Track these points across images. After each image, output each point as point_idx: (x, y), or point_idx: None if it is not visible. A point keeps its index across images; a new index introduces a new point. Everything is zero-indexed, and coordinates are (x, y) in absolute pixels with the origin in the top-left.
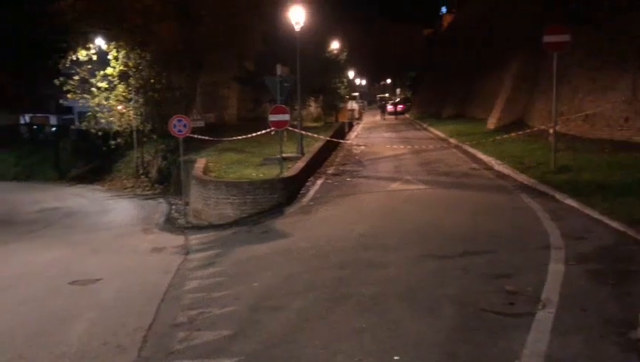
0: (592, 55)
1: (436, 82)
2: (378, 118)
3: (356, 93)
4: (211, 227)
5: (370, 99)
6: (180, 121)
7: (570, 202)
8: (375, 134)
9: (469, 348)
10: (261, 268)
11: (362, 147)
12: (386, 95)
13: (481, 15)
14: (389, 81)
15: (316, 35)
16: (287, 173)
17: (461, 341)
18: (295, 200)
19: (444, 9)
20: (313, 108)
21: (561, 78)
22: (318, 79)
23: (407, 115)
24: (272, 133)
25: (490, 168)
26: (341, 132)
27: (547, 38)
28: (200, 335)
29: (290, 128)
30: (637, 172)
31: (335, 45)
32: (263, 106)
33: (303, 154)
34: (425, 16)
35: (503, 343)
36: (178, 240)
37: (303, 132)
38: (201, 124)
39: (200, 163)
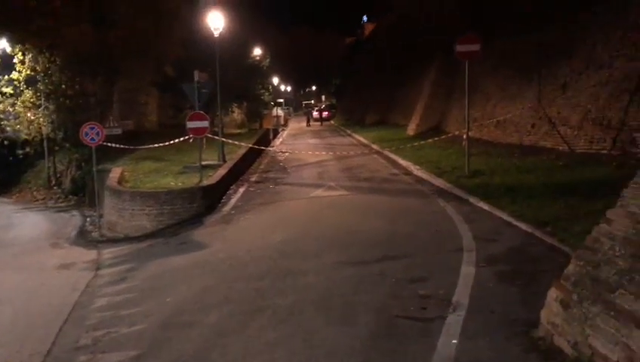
0: (503, 65)
1: (360, 89)
2: (304, 124)
3: (281, 100)
4: (127, 240)
5: (296, 105)
6: (92, 128)
7: (483, 205)
8: (300, 141)
9: (382, 356)
10: (176, 282)
11: (287, 153)
12: (312, 102)
13: (401, 24)
14: (314, 88)
15: (238, 41)
16: (207, 182)
17: (374, 349)
18: (216, 210)
19: (365, 18)
20: (237, 114)
21: (474, 85)
22: (240, 85)
23: (332, 122)
24: (191, 140)
25: (409, 173)
26: (266, 139)
27: (459, 48)
28: (104, 357)
29: (210, 135)
30: (543, 175)
31: (258, 52)
32: (185, 113)
33: (224, 161)
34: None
35: (415, 349)
36: (90, 254)
37: (224, 139)
38: (117, 131)
39: (115, 172)
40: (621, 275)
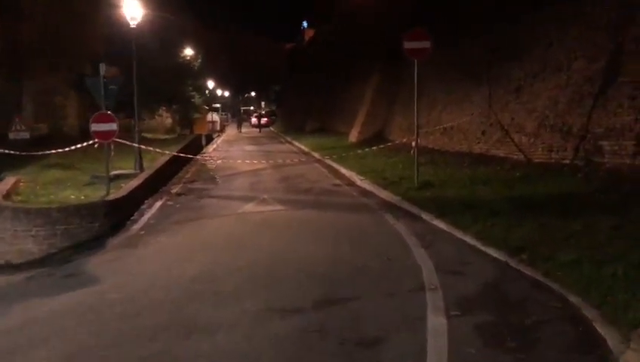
0: (449, 68)
1: (300, 96)
2: (235, 131)
3: (218, 105)
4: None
5: (235, 111)
6: None
7: (438, 223)
8: (236, 148)
9: None
10: (38, 340)
11: (219, 161)
12: (251, 108)
13: (342, 29)
14: (253, 94)
15: (167, 40)
16: (114, 195)
17: None
18: (123, 229)
19: (305, 23)
20: (164, 118)
21: (419, 90)
22: (168, 86)
23: (271, 129)
24: (96, 145)
25: (352, 184)
26: (197, 145)
27: (407, 45)
28: None
29: (129, 142)
30: (501, 188)
31: (189, 52)
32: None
33: (142, 170)
34: (288, 30)
35: None
36: None
37: (143, 146)
38: (24, 135)
39: (5, 184)
40: None
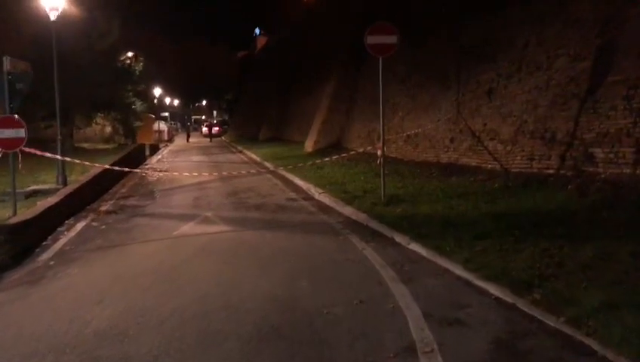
0: (412, 71)
1: (252, 104)
2: (193, 140)
3: (166, 113)
4: None
5: (186, 120)
6: None
7: (416, 248)
8: (182, 158)
9: None
10: None
11: (161, 174)
12: (202, 117)
13: (297, 36)
14: (204, 102)
15: (104, 42)
16: (19, 217)
17: None
18: (29, 258)
19: (257, 31)
20: (103, 126)
21: (378, 97)
22: (104, 91)
23: (223, 138)
24: (0, 156)
25: (310, 198)
26: (138, 156)
27: (370, 39)
28: None
29: (34, 151)
30: (480, 201)
31: (129, 55)
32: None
33: (65, 184)
34: (240, 38)
35: None
36: None
37: (68, 158)
38: None
39: None
40: None
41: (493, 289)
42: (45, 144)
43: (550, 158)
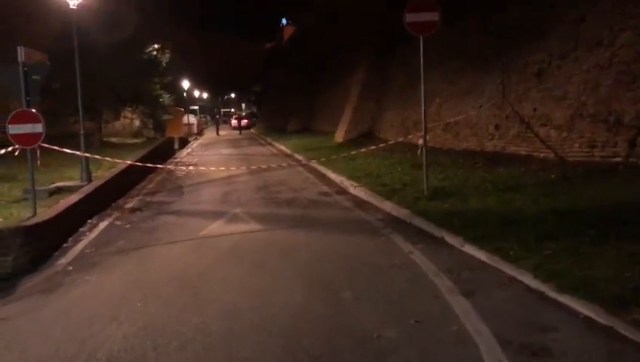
0: (450, 55)
1: (281, 96)
2: (222, 133)
3: (196, 107)
4: None
5: (215, 113)
6: None
7: (473, 251)
8: (212, 151)
9: None
10: None
11: (190, 167)
12: (231, 110)
13: (324, 23)
14: (233, 95)
15: (131, 34)
16: (37, 218)
17: None
18: (48, 261)
19: (284, 21)
20: (132, 120)
21: (413, 82)
22: (130, 83)
23: (252, 130)
24: (17, 153)
25: (344, 192)
26: (167, 149)
27: (410, 17)
28: None
29: (53, 148)
30: (538, 195)
31: (155, 46)
32: (74, 120)
33: (90, 181)
34: (267, 29)
35: None
36: None
37: (88, 155)
38: None
39: None
40: None
41: (579, 306)
42: (75, 138)
43: (616, 145)
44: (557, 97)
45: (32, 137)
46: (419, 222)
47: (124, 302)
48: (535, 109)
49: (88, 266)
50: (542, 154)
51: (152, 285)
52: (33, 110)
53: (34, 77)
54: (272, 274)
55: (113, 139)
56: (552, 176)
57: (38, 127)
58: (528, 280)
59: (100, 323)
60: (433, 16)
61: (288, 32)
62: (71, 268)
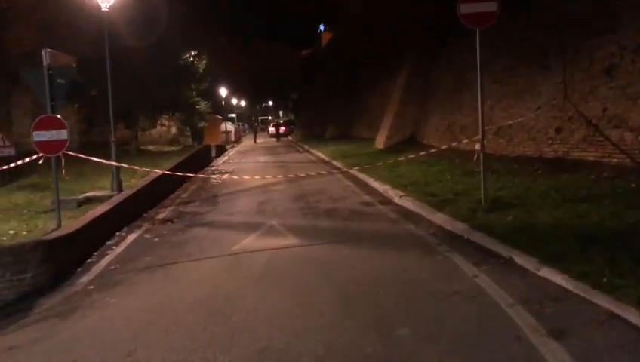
0: (501, 53)
1: (318, 103)
2: (260, 140)
3: (233, 115)
4: None
5: (253, 121)
6: None
7: (552, 276)
8: (249, 159)
9: None
10: None
11: (226, 175)
12: (269, 117)
13: (363, 28)
14: (271, 103)
15: (168, 41)
16: (62, 230)
17: None
18: (70, 279)
19: (322, 27)
20: (169, 127)
21: (460, 84)
22: (166, 90)
23: (290, 138)
24: (41, 161)
25: (388, 202)
26: (204, 157)
27: (465, 8)
28: None
29: (78, 156)
30: (619, 206)
31: (192, 53)
32: (109, 127)
33: (120, 190)
34: (304, 36)
35: None
36: None
37: (117, 163)
38: (9, 152)
39: None
40: None
41: None
42: (110, 147)
43: None
44: (632, 95)
45: (56, 144)
46: (479, 238)
47: (143, 331)
48: (605, 110)
49: (110, 285)
50: (614, 160)
51: (176, 310)
52: (58, 116)
53: (59, 80)
54: (312, 302)
55: (150, 147)
56: (632, 185)
57: (63, 134)
58: (632, 316)
59: (113, 357)
60: (490, 6)
61: (326, 39)
62: (92, 287)
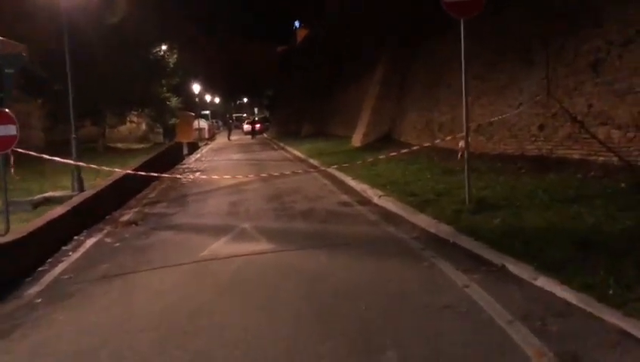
0: (481, 48)
1: (294, 100)
2: (234, 137)
3: (207, 111)
4: None
5: (227, 118)
6: None
7: (551, 287)
8: (222, 157)
9: None
10: None
11: (197, 173)
12: (244, 115)
13: (340, 23)
14: (245, 100)
15: (138, 34)
16: (9, 236)
17: None
18: (17, 290)
19: (297, 23)
20: (137, 125)
21: (438, 79)
22: (136, 86)
23: (265, 135)
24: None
25: (367, 202)
26: (174, 155)
27: None
28: None
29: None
30: (611, 208)
31: (163, 47)
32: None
33: (82, 190)
34: (279, 32)
35: None
36: None
37: (81, 163)
38: None
39: None
40: None
41: None
42: (79, 144)
43: None
44: (619, 91)
45: (4, 141)
46: (466, 243)
47: (90, 358)
48: (590, 106)
49: (60, 298)
50: (601, 158)
51: (131, 331)
52: (6, 110)
53: (7, 70)
54: (287, 319)
55: (119, 145)
56: (622, 185)
57: (12, 129)
58: None
59: None
60: None
61: (301, 35)
62: (39, 300)
